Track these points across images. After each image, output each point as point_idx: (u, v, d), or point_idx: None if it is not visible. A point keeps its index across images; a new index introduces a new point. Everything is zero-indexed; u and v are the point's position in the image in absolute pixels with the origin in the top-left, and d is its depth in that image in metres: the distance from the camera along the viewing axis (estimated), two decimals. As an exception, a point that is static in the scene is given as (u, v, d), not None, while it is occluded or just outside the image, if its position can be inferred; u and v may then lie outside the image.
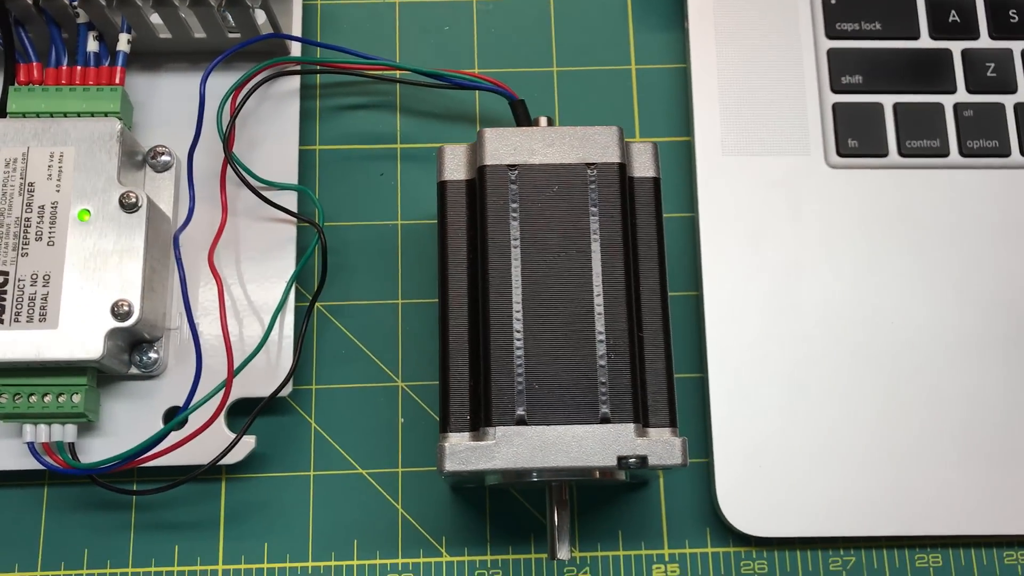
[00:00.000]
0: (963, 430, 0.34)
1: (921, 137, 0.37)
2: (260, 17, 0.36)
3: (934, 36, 0.38)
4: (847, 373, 0.35)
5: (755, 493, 0.34)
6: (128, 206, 0.32)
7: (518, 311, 0.30)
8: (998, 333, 0.35)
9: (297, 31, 0.37)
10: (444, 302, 0.31)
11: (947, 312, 0.35)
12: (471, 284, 0.31)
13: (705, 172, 0.37)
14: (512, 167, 0.31)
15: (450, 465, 0.29)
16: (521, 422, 0.29)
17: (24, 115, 0.34)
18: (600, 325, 0.30)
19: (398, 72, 0.38)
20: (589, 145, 0.31)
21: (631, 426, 0.29)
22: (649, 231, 0.31)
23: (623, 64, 0.39)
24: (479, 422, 0.30)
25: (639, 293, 0.31)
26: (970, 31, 0.38)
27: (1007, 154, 0.37)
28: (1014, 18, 0.38)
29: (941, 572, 0.34)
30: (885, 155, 0.37)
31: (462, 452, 0.29)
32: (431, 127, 0.39)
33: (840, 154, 0.37)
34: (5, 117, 0.34)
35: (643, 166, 0.32)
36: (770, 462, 0.34)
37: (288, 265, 0.35)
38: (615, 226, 0.30)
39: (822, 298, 0.35)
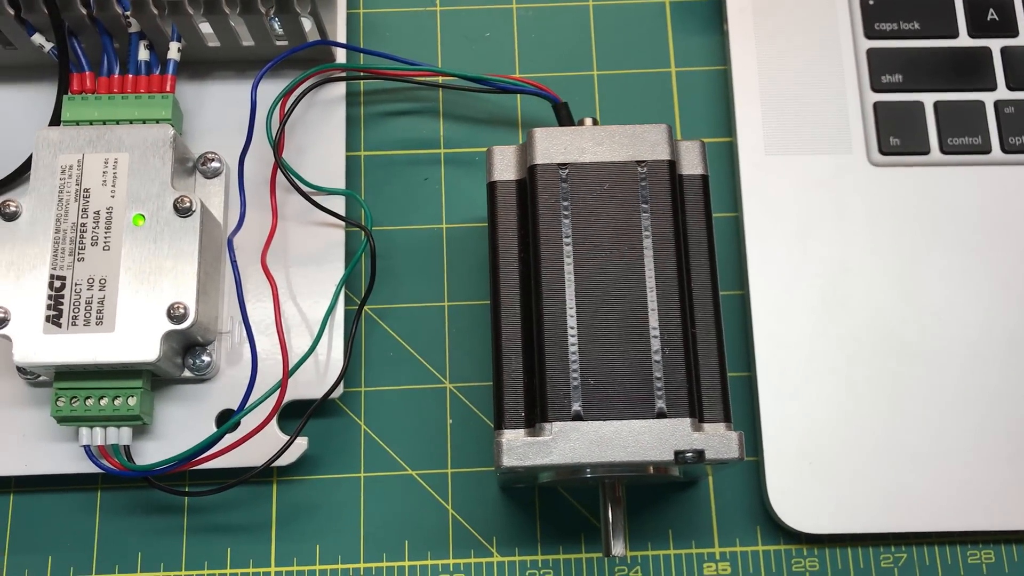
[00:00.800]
0: (1013, 425, 0.34)
1: (963, 134, 0.37)
2: (307, 25, 0.36)
3: (973, 34, 0.38)
4: (895, 369, 0.35)
5: (806, 490, 0.34)
6: (182, 210, 0.33)
7: (571, 308, 0.30)
8: (1045, 328, 0.35)
9: (342, 39, 0.38)
10: (496, 300, 0.31)
11: (993, 307, 0.35)
12: (523, 282, 0.31)
13: (748, 172, 0.37)
14: (563, 166, 0.31)
15: (508, 460, 0.29)
16: (577, 418, 0.29)
17: (78, 123, 0.34)
18: (654, 321, 0.30)
19: (441, 77, 0.38)
20: (639, 143, 0.31)
21: (687, 420, 0.29)
22: (699, 228, 0.31)
23: (663, 67, 0.40)
24: (534, 418, 0.30)
25: (691, 289, 0.31)
26: (1009, 29, 0.38)
27: (1050, 150, 0.37)
28: (1052, 16, 0.38)
29: (994, 569, 0.34)
30: (927, 153, 0.37)
31: (519, 448, 0.29)
32: (474, 132, 0.39)
33: (882, 152, 0.37)
34: (60, 125, 0.34)
35: (691, 164, 0.32)
36: (820, 459, 0.34)
37: (337, 269, 0.36)
38: (666, 223, 0.31)
39: (868, 295, 0.36)
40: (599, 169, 0.31)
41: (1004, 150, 0.37)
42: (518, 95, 0.39)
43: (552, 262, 0.30)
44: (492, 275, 0.31)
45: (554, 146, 0.32)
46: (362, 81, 0.39)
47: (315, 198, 0.36)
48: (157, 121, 0.34)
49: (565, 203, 0.31)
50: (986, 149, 0.37)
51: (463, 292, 0.37)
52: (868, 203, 0.37)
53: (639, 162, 0.31)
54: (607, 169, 0.31)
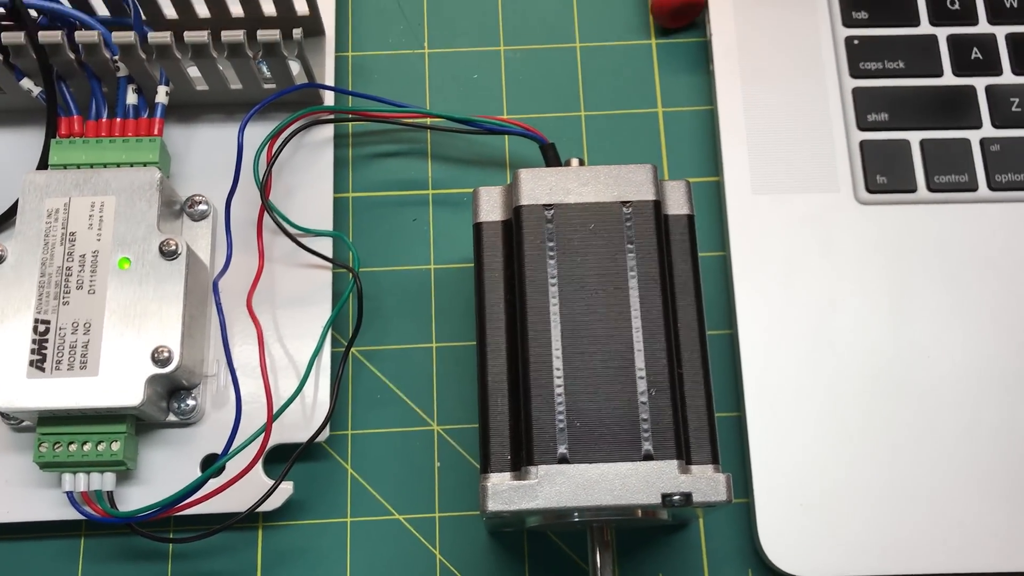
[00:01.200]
0: (1005, 464, 0.34)
1: (949, 172, 0.37)
2: (295, 68, 0.36)
3: (957, 73, 0.38)
4: (885, 409, 0.35)
5: (797, 532, 0.33)
6: (168, 253, 0.33)
7: (557, 349, 0.30)
8: (1036, 366, 0.35)
9: (330, 82, 0.38)
10: (482, 342, 0.31)
11: (983, 345, 0.35)
12: (509, 324, 0.31)
13: (736, 211, 0.37)
14: (548, 207, 0.31)
15: (493, 505, 0.28)
16: (563, 460, 0.29)
17: (65, 167, 0.34)
18: (640, 362, 0.30)
19: (429, 119, 0.38)
20: (624, 183, 0.31)
21: (674, 463, 0.29)
22: (685, 268, 0.31)
23: (650, 107, 0.40)
24: (520, 462, 0.29)
25: (677, 329, 0.31)
26: (993, 67, 0.38)
27: (1036, 187, 0.37)
28: (1036, 54, 0.39)
29: (990, 611, 0.34)
30: (914, 191, 0.37)
31: (505, 492, 0.29)
32: (462, 173, 0.39)
33: (869, 190, 0.37)
34: (47, 169, 0.34)
35: (677, 204, 0.32)
36: (812, 500, 0.34)
37: (324, 311, 0.36)
38: (652, 263, 0.31)
39: (857, 334, 0.35)
40: (584, 210, 0.31)
41: (991, 187, 0.37)
42: (506, 136, 0.39)
43: (537, 303, 0.30)
44: (478, 317, 0.31)
45: (539, 187, 0.32)
46: (350, 123, 0.39)
47: (302, 240, 0.35)
48: (145, 164, 0.34)
49: (550, 243, 0.31)
50: (973, 187, 0.37)
51: (451, 333, 0.37)
52: (856, 241, 0.36)
53: (624, 202, 0.31)
54: (592, 209, 0.31)
